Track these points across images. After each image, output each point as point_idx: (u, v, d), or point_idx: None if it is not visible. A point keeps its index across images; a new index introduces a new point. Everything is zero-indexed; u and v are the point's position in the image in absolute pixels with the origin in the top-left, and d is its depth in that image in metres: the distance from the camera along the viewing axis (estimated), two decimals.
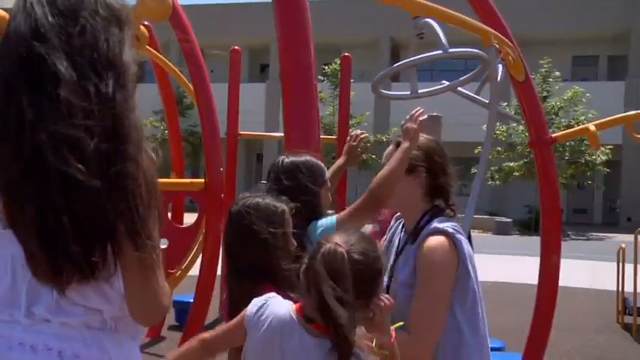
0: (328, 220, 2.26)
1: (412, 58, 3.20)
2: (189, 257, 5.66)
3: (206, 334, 1.88)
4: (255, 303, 1.79)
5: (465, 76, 3.42)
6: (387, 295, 1.72)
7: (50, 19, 1.30)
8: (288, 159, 2.29)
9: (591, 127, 4.42)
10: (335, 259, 1.61)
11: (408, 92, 3.59)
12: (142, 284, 1.32)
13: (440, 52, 3.08)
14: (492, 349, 5.67)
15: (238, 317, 1.82)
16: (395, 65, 3.24)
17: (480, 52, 3.21)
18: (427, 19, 2.90)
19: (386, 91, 3.46)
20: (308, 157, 2.31)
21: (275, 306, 1.75)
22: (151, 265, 1.32)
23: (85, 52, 1.30)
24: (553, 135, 4.53)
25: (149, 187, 1.32)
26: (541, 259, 4.40)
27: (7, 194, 1.28)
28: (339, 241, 1.65)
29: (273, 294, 1.82)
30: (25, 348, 1.33)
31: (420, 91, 3.36)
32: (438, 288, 2.12)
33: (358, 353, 1.64)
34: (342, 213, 2.30)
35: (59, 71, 1.25)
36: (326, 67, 25.64)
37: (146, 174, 1.31)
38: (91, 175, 1.23)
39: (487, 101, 3.68)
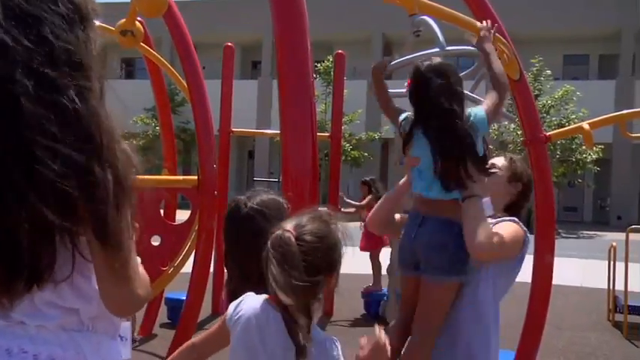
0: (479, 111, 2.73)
1: (409, 56, 3.19)
2: (182, 254, 5.63)
3: (196, 340, 1.94)
4: (233, 303, 1.84)
5: (460, 74, 3.40)
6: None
7: (5, 24, 1.22)
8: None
9: (585, 125, 4.43)
10: (281, 243, 1.64)
11: (404, 90, 3.58)
12: (113, 276, 1.30)
13: (437, 49, 3.08)
14: None
15: (220, 320, 1.88)
16: (392, 63, 3.23)
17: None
18: (424, 17, 2.89)
19: (393, 90, 3.44)
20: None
21: (250, 301, 1.81)
22: (121, 257, 1.30)
23: (45, 60, 1.23)
24: (547, 134, 4.53)
25: (122, 188, 1.29)
26: (534, 258, 4.41)
27: None
28: (289, 227, 1.68)
29: (250, 292, 1.85)
30: (0, 351, 1.31)
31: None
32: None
33: (316, 334, 1.70)
34: (487, 108, 2.76)
35: (16, 85, 1.19)
36: (318, 65, 25.61)
37: (118, 175, 1.28)
38: (52, 182, 1.19)
39: (482, 99, 3.67)
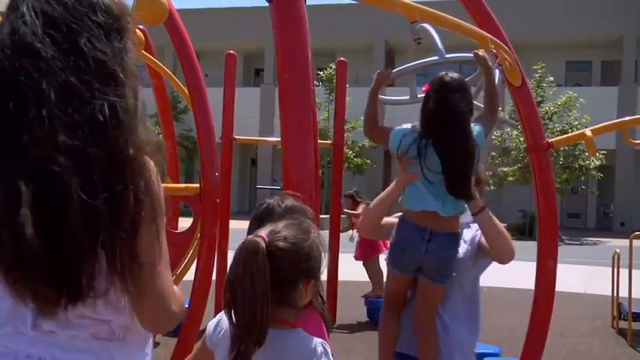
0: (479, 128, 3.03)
1: (411, 64, 3.19)
2: (184, 262, 5.63)
3: None
4: (212, 322, 1.83)
5: None
6: None
7: (40, 31, 1.20)
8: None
9: (588, 132, 4.42)
10: (249, 248, 1.61)
11: (406, 97, 3.58)
12: (147, 291, 1.29)
13: (437, 57, 3.09)
14: (489, 355, 5.68)
15: (201, 341, 1.86)
16: (394, 70, 3.24)
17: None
18: (424, 24, 2.90)
19: (383, 97, 3.45)
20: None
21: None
22: (155, 272, 1.29)
23: (76, 70, 1.21)
24: (550, 140, 4.52)
25: (154, 203, 1.28)
26: (537, 265, 4.40)
27: None
28: (263, 232, 1.66)
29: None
30: None
31: (418, 95, 3.36)
32: None
33: (306, 341, 1.68)
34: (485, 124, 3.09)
35: (41, 95, 1.17)
36: (321, 73, 25.65)
37: (140, 191, 1.26)
38: (84, 199, 1.18)
39: (482, 105, 3.67)
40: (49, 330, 1.30)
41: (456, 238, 3.10)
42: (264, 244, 1.61)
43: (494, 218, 3.10)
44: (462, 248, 3.18)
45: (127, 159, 1.24)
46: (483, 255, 3.23)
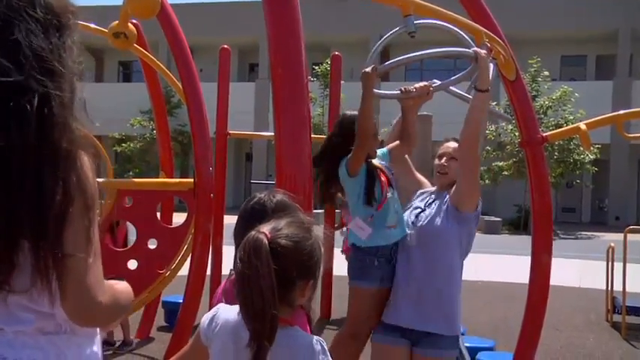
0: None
1: (401, 57, 3.18)
2: (179, 257, 5.61)
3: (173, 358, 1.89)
4: (207, 316, 1.80)
5: (456, 75, 3.40)
6: None
7: None
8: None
9: (582, 126, 4.41)
10: (253, 245, 1.60)
11: (396, 91, 3.57)
12: (70, 283, 1.29)
13: (428, 51, 3.09)
14: (483, 349, 5.70)
15: (194, 336, 1.83)
16: (400, 58, 3.21)
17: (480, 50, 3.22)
18: (432, 21, 2.91)
19: (377, 90, 3.44)
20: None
21: (225, 312, 1.77)
22: (80, 265, 1.29)
23: (13, 64, 1.22)
24: (544, 134, 4.52)
25: (86, 198, 1.29)
26: (532, 259, 4.40)
27: None
28: (266, 229, 1.64)
29: (221, 304, 1.83)
30: None
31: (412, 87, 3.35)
32: None
33: (302, 339, 1.67)
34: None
35: None
36: (317, 68, 25.60)
37: (71, 185, 1.27)
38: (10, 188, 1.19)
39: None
40: None
41: None
42: (266, 241, 1.59)
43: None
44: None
45: (59, 152, 1.25)
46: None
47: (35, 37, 1.26)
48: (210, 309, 1.86)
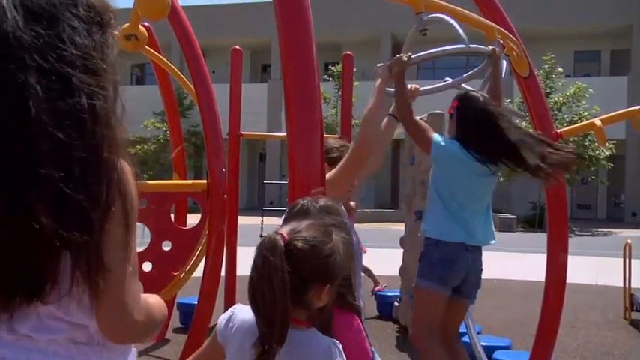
0: None
1: (431, 50, 3.16)
2: (193, 259, 5.63)
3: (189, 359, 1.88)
4: (223, 317, 1.80)
5: (469, 73, 3.38)
6: None
7: (22, 25, 1.18)
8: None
9: (597, 122, 4.37)
10: (268, 246, 1.59)
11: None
12: (106, 297, 1.25)
13: (457, 46, 3.07)
14: (499, 348, 5.67)
15: (211, 336, 1.83)
16: (414, 56, 3.19)
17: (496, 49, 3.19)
18: (440, 15, 2.88)
19: (391, 89, 3.42)
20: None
21: (242, 312, 1.76)
22: (117, 278, 1.25)
23: (59, 63, 1.19)
24: (558, 131, 4.48)
25: (126, 206, 1.25)
26: (548, 256, 4.37)
27: None
28: (284, 230, 1.63)
29: (238, 304, 1.82)
30: None
31: (423, 88, 3.33)
32: None
33: (319, 341, 1.65)
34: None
35: (27, 86, 1.15)
36: (332, 68, 25.58)
37: (124, 194, 1.24)
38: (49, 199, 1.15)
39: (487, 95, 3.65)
40: (25, 334, 1.26)
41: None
42: (282, 242, 1.59)
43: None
44: None
45: (102, 156, 1.22)
46: None
47: (79, 35, 1.24)
48: (226, 308, 1.86)
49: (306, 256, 1.60)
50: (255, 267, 1.60)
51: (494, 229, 3.75)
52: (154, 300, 1.40)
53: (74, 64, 1.21)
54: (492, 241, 3.74)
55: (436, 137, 3.49)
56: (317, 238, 1.63)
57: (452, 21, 2.97)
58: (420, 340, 3.60)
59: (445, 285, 3.53)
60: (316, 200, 2.00)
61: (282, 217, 2.03)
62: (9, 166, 1.15)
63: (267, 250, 1.58)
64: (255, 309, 1.60)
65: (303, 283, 1.60)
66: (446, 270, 3.52)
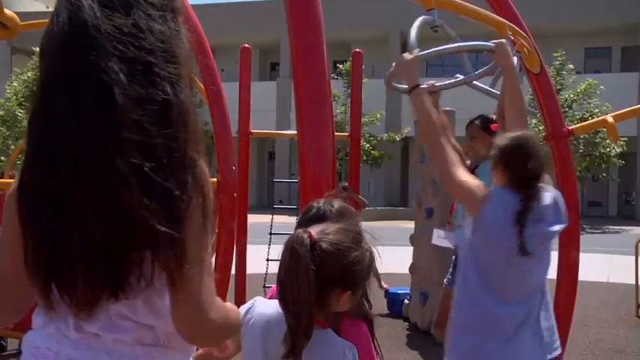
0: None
1: (437, 48, 3.13)
2: None
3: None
4: (243, 307, 1.79)
5: (480, 70, 3.37)
6: None
7: (98, 14, 1.16)
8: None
9: (609, 118, 4.34)
10: (295, 243, 1.59)
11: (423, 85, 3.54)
12: (185, 298, 1.22)
13: (462, 43, 3.05)
14: None
15: None
16: (437, 49, 3.14)
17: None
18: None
19: (401, 85, 3.41)
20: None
21: (261, 306, 1.77)
22: (196, 277, 1.22)
23: (139, 51, 1.17)
24: (570, 127, 4.46)
25: (206, 203, 1.22)
26: (559, 254, 4.34)
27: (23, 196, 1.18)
28: (314, 230, 1.63)
29: (259, 297, 1.82)
30: None
31: (437, 84, 3.32)
32: None
33: (334, 342, 1.65)
34: None
35: (111, 74, 1.13)
36: (340, 66, 25.57)
37: (199, 180, 1.20)
38: (138, 192, 1.12)
39: (499, 92, 3.63)
40: (92, 332, 1.25)
41: None
42: (309, 241, 1.59)
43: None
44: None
45: (185, 145, 1.18)
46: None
47: (155, 22, 1.21)
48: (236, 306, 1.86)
49: (330, 258, 1.59)
50: (283, 262, 1.61)
51: None
52: (230, 305, 1.37)
53: (154, 53, 1.19)
54: None
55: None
56: (344, 243, 1.62)
57: (450, 47, 2.95)
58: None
59: None
60: (332, 203, 1.99)
61: (296, 219, 2.03)
62: (98, 155, 1.12)
63: (294, 246, 1.59)
64: (283, 303, 1.61)
65: (324, 284, 1.59)
66: None
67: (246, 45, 7.16)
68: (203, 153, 1.25)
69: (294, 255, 1.58)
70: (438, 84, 3.39)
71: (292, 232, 1.67)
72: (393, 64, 3.20)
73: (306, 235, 1.60)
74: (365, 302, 1.92)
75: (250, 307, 1.79)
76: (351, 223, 1.74)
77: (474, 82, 3.56)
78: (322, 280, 1.58)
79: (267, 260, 7.62)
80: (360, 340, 1.84)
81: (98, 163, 1.12)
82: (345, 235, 1.64)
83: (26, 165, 1.19)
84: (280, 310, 1.66)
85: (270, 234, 7.88)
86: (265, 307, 1.74)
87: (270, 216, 8.60)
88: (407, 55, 2.87)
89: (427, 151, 6.45)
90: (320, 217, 1.92)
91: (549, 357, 2.72)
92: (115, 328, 1.25)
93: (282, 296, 1.60)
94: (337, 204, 1.99)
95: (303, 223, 1.87)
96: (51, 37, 1.19)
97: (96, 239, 1.13)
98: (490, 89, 3.78)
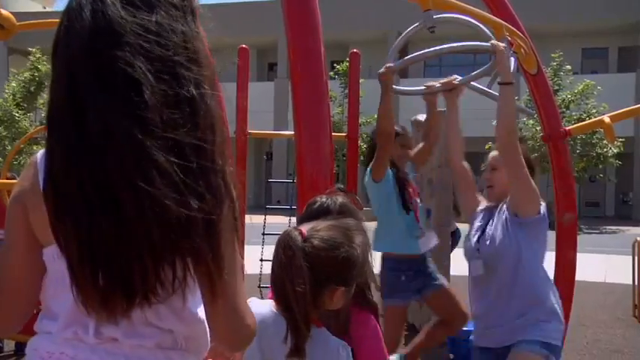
0: None
1: (418, 53, 3.16)
2: None
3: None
4: None
5: (477, 70, 3.37)
6: None
7: (122, 12, 1.14)
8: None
9: (606, 119, 4.34)
10: (287, 241, 1.60)
11: (419, 87, 3.54)
12: (224, 304, 1.20)
13: (446, 45, 3.07)
14: None
15: None
16: (399, 62, 3.20)
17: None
18: (452, 15, 2.89)
19: (399, 87, 3.42)
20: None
21: (255, 307, 1.74)
22: (233, 284, 1.21)
23: (164, 50, 1.14)
24: (567, 128, 4.46)
25: (234, 208, 1.20)
26: (556, 254, 4.35)
27: (53, 198, 1.13)
28: (305, 228, 1.63)
29: (253, 298, 1.81)
30: None
31: (436, 84, 3.33)
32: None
33: (327, 341, 1.65)
34: None
35: (138, 72, 1.10)
36: (337, 66, 25.55)
37: (229, 183, 1.18)
38: (170, 192, 1.08)
39: (496, 93, 3.63)
40: (111, 337, 1.22)
41: None
42: (300, 238, 1.59)
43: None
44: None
45: (213, 147, 1.16)
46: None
47: (177, 22, 1.19)
48: None
49: (321, 255, 1.59)
50: (276, 261, 1.61)
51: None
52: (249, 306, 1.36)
53: (177, 52, 1.16)
54: None
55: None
56: (336, 240, 1.62)
57: (467, 18, 2.97)
58: None
59: None
60: (335, 198, 1.99)
61: (289, 220, 2.04)
62: (130, 154, 1.09)
63: (285, 244, 1.59)
64: (280, 302, 1.61)
65: (317, 281, 1.60)
66: None
67: (244, 45, 7.16)
68: (230, 158, 1.23)
69: (287, 253, 1.58)
70: (436, 84, 3.39)
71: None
72: (385, 65, 3.24)
73: (297, 233, 1.61)
74: (369, 292, 1.94)
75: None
76: (342, 220, 1.74)
77: (472, 82, 3.56)
78: (315, 277, 1.58)
79: (261, 260, 7.61)
80: (369, 330, 1.85)
81: (138, 161, 1.09)
82: (336, 231, 1.64)
83: (59, 166, 1.13)
84: (274, 309, 1.66)
85: (264, 234, 7.87)
86: (259, 307, 1.73)
87: (264, 216, 8.59)
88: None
89: None
90: (324, 212, 1.92)
91: None
92: (138, 335, 1.22)
93: (279, 295, 1.61)
94: (341, 199, 1.99)
95: (306, 218, 1.88)
96: (71, 33, 1.15)
97: (138, 241, 1.10)
98: (487, 90, 3.79)
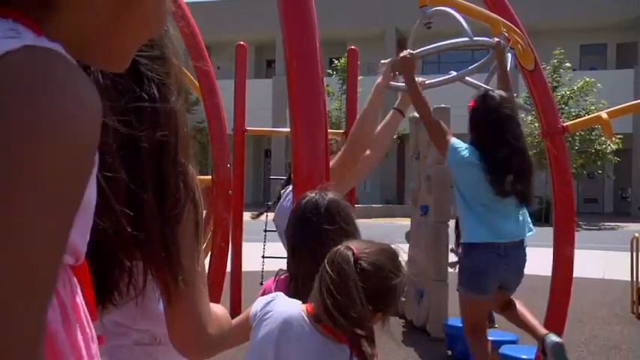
0: None
1: (436, 44, 3.15)
2: None
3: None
4: (263, 299, 1.76)
5: (473, 65, 3.37)
6: None
7: None
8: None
9: (604, 115, 4.34)
10: (341, 261, 1.58)
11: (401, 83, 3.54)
12: (181, 313, 1.17)
13: (462, 39, 3.06)
14: (506, 342, 5.67)
15: (245, 312, 1.79)
16: (418, 51, 3.18)
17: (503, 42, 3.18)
18: (444, 8, 2.88)
19: (395, 83, 3.41)
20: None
21: (282, 304, 1.73)
22: (190, 291, 1.17)
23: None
24: (565, 124, 4.46)
25: (197, 206, 1.16)
26: (554, 251, 4.35)
27: None
28: (354, 246, 1.62)
29: (280, 293, 1.80)
30: None
31: (428, 81, 3.32)
32: None
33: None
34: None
35: (93, 71, 1.03)
36: (336, 62, 25.54)
37: (194, 196, 1.15)
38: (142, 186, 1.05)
39: (492, 89, 3.63)
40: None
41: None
42: (352, 259, 1.58)
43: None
44: None
45: (174, 151, 1.12)
46: None
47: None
48: (232, 304, 1.84)
49: (367, 277, 1.58)
50: (328, 280, 1.58)
51: (529, 220, 3.83)
52: (221, 312, 1.32)
53: (139, 50, 1.09)
54: (529, 234, 3.80)
55: (453, 142, 3.53)
56: (385, 267, 1.62)
57: (455, 14, 2.96)
58: (467, 334, 3.90)
59: (483, 294, 3.70)
60: (325, 193, 1.99)
61: (292, 213, 2.02)
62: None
63: (340, 262, 1.58)
64: (339, 322, 1.57)
65: (366, 302, 1.57)
66: (480, 282, 3.68)
67: (242, 42, 7.15)
68: (193, 158, 1.19)
69: (342, 274, 1.57)
70: (433, 81, 3.39)
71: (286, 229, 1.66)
72: (382, 61, 3.22)
73: (350, 253, 1.59)
74: (370, 342, 1.91)
75: (271, 301, 1.74)
76: (388, 245, 1.72)
77: (468, 77, 3.56)
78: (365, 300, 1.57)
79: (263, 257, 7.61)
80: None
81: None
82: (387, 259, 1.64)
83: None
84: (302, 313, 1.65)
85: (265, 231, 7.87)
86: (287, 305, 1.71)
87: (266, 213, 8.58)
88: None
89: (423, 147, 6.45)
90: (312, 206, 1.93)
91: None
92: (112, 335, 1.21)
93: (337, 315, 1.56)
94: (330, 195, 1.99)
95: (295, 211, 1.89)
96: None
97: (92, 245, 1.08)
98: (484, 85, 3.79)
